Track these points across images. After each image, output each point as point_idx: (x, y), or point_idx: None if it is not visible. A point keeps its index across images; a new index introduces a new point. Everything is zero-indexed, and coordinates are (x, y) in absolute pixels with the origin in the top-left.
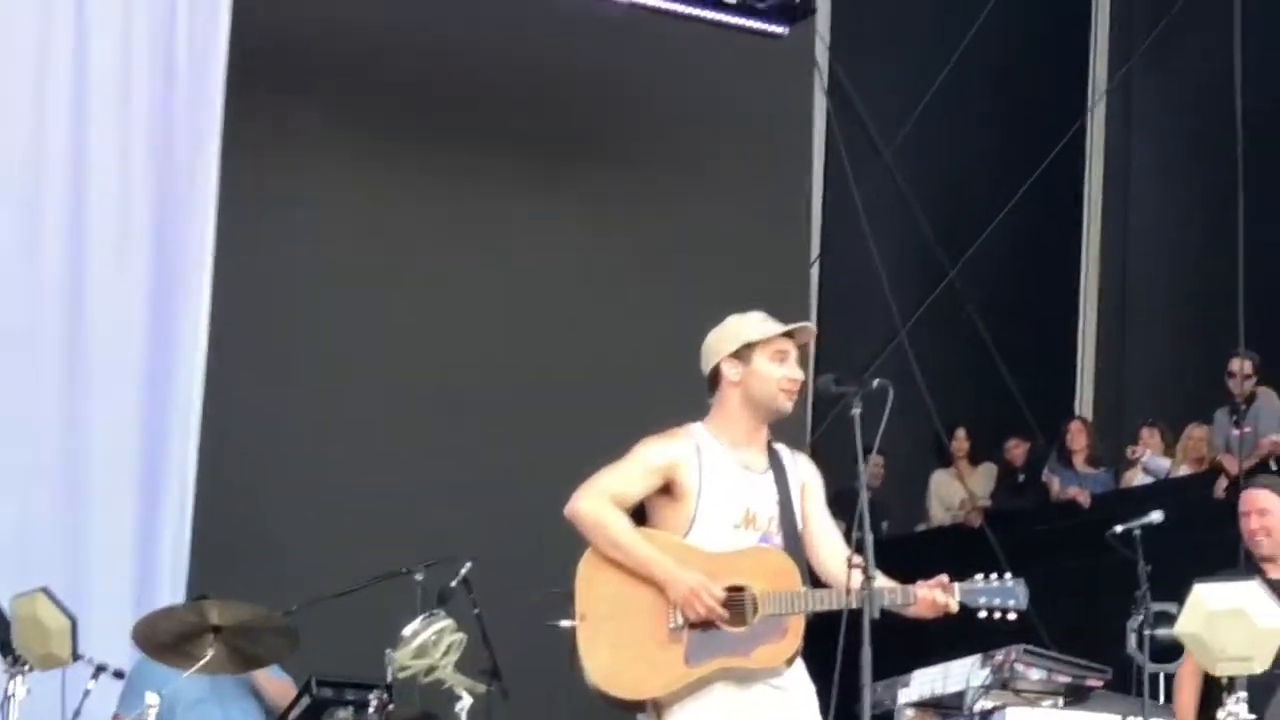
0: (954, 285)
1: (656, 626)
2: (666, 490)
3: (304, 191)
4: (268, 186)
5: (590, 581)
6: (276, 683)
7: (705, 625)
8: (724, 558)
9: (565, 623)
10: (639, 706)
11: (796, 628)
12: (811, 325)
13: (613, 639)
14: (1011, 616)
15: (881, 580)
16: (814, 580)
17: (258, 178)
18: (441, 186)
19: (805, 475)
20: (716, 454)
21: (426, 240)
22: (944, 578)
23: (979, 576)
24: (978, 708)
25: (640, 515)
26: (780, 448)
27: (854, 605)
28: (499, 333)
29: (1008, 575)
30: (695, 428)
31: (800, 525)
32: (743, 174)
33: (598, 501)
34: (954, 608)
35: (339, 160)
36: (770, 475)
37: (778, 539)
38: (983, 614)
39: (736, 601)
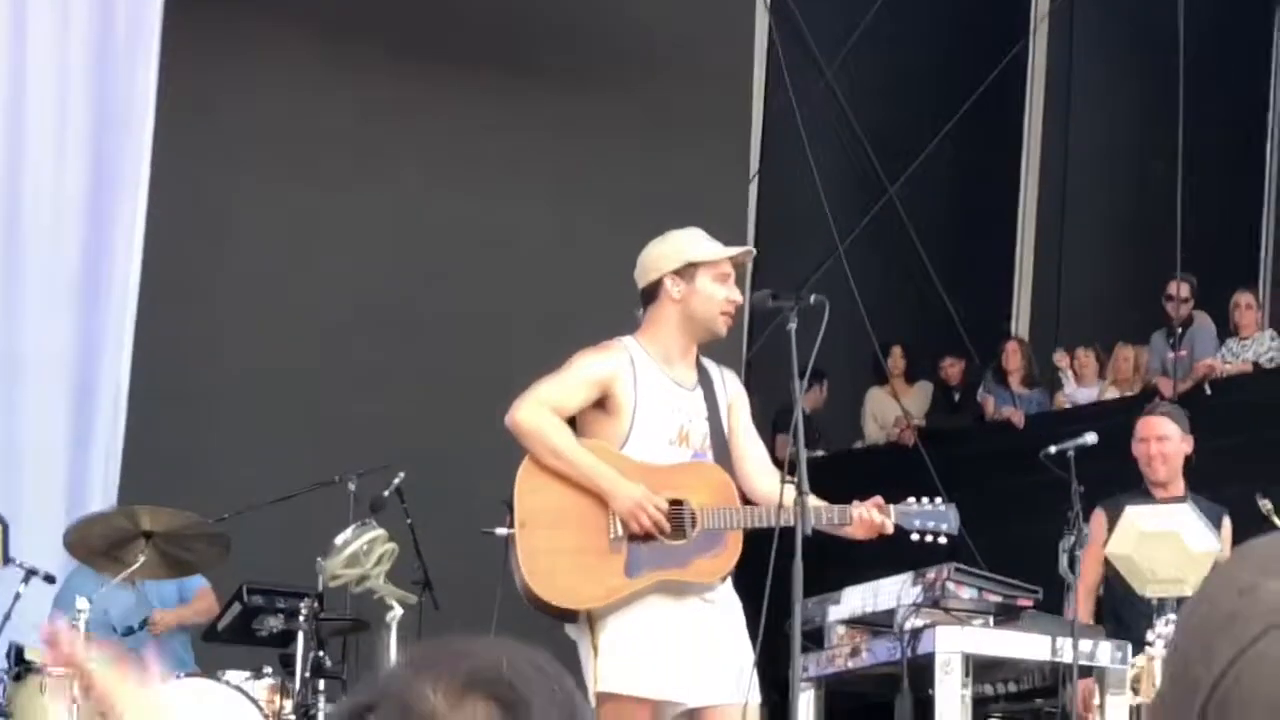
0: (893, 203)
1: (596, 537)
2: (600, 404)
3: (242, 101)
4: (206, 96)
5: (529, 490)
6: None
7: (645, 537)
8: (663, 471)
9: (501, 530)
10: (572, 616)
11: (734, 543)
12: (752, 248)
13: (552, 548)
14: (943, 540)
15: (817, 500)
16: (741, 497)
17: (196, 86)
18: (379, 101)
19: (732, 392)
20: (650, 369)
21: (362, 154)
22: (879, 499)
23: (913, 499)
24: (908, 625)
25: (571, 428)
26: (708, 363)
27: (787, 524)
28: (432, 245)
29: (939, 499)
30: (628, 341)
31: (728, 441)
32: (683, 90)
33: (538, 411)
34: (889, 528)
35: (279, 70)
36: (700, 392)
37: (709, 455)
38: (915, 536)
39: (676, 515)
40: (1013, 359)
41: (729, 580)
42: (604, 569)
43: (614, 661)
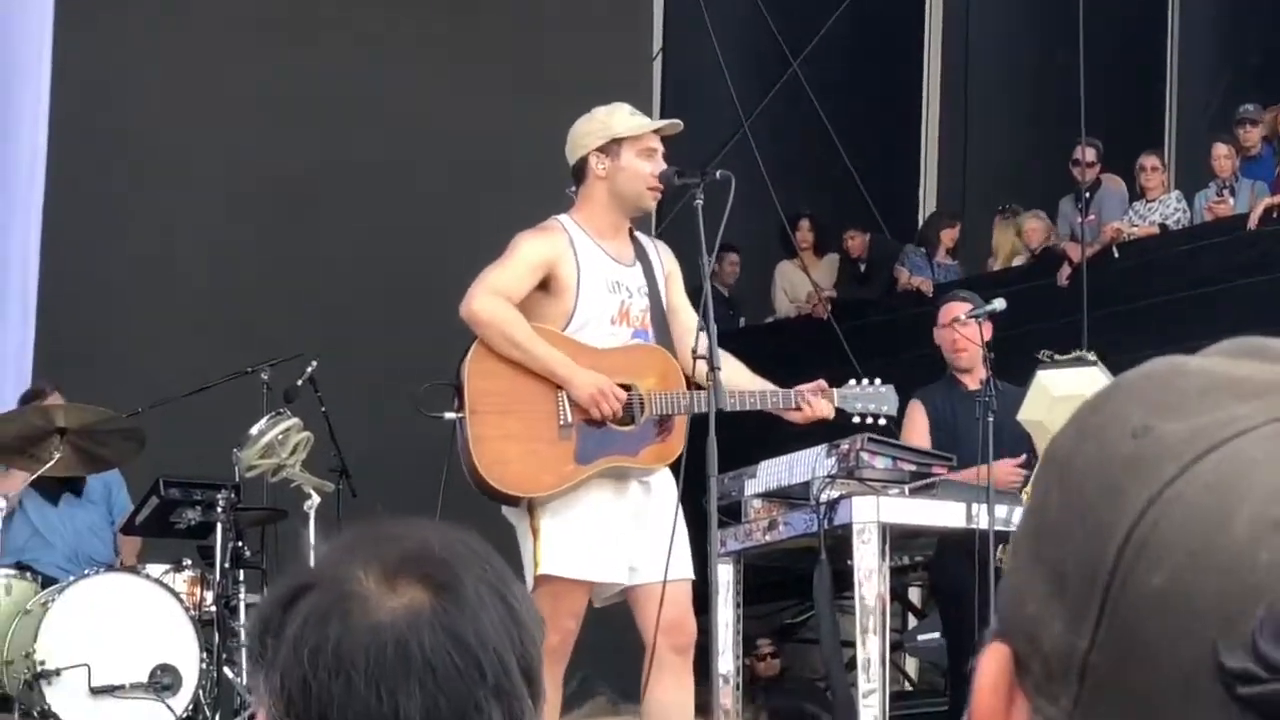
0: (797, 77)
1: (546, 423)
2: (543, 285)
3: None
4: None
5: (478, 375)
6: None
7: (594, 423)
8: (610, 355)
9: (449, 415)
10: (515, 500)
11: (681, 428)
12: (678, 121)
13: (501, 434)
14: (882, 421)
15: (763, 383)
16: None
17: None
18: None
19: (668, 265)
20: (589, 247)
21: (266, 36)
22: (822, 382)
23: (853, 382)
24: (824, 497)
25: None
26: (641, 237)
27: (735, 408)
28: (341, 127)
29: (878, 381)
30: (564, 220)
31: (667, 317)
32: None
33: (493, 300)
34: (831, 412)
35: None
36: (639, 267)
37: (649, 333)
38: (856, 419)
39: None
40: (949, 232)
41: None
42: (555, 455)
43: (554, 545)
